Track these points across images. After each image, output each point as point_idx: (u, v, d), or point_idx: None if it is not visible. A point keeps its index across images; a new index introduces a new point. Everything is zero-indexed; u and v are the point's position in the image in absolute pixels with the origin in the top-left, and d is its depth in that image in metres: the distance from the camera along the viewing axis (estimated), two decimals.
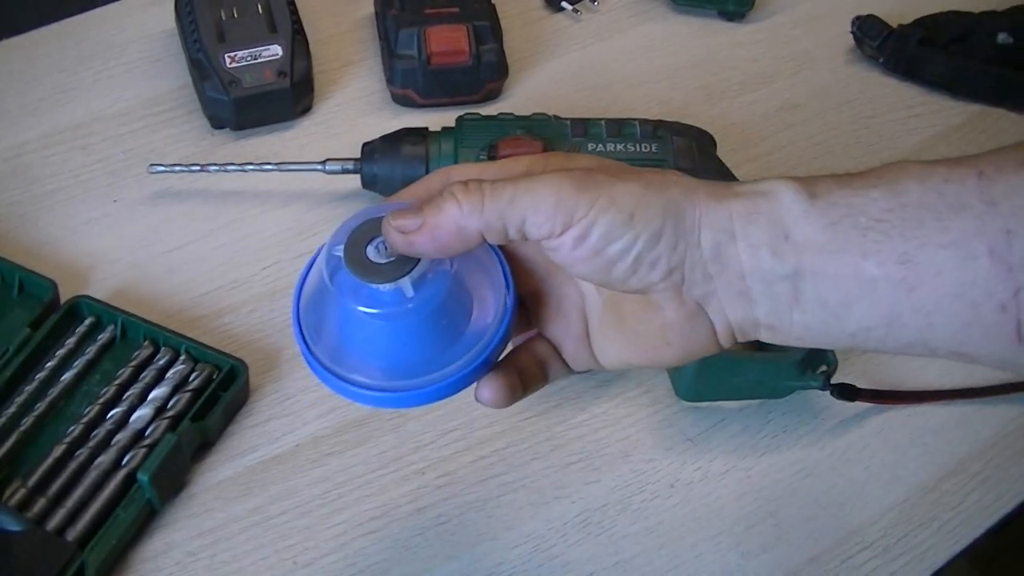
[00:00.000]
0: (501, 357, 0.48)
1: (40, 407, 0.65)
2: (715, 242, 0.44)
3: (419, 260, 0.45)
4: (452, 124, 0.76)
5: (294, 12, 0.83)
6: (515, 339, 0.51)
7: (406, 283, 0.44)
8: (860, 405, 0.70)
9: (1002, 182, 0.41)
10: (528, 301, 0.50)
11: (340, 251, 0.45)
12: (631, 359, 0.49)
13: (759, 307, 0.44)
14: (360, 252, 0.45)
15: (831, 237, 0.43)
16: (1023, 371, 0.43)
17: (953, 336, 0.42)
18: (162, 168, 0.76)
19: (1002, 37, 0.88)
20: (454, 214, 0.44)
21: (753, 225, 0.43)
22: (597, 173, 0.44)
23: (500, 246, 0.48)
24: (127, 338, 0.69)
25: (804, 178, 0.44)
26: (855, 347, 0.45)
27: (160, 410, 0.65)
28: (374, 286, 0.44)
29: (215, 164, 0.76)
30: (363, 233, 0.45)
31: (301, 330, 0.47)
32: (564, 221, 0.43)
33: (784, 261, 0.43)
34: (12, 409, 0.65)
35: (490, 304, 0.47)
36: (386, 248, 0.45)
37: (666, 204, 0.44)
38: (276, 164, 0.77)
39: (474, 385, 0.47)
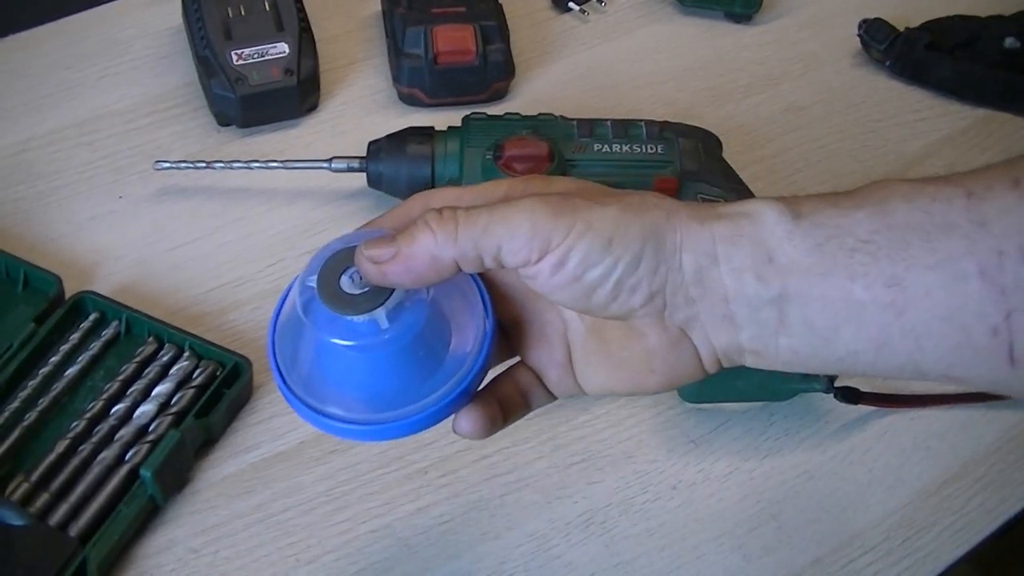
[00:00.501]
0: (481, 386, 0.47)
1: (44, 402, 0.65)
2: (697, 266, 0.43)
3: (394, 290, 0.44)
4: (458, 123, 0.76)
5: (301, 10, 0.83)
6: (496, 367, 0.50)
7: (380, 314, 0.44)
8: (863, 408, 0.70)
9: (992, 201, 0.40)
10: (509, 328, 0.49)
11: (313, 282, 0.44)
12: (615, 386, 0.48)
13: (744, 332, 0.44)
14: (334, 283, 0.44)
15: (817, 259, 0.42)
16: (1016, 393, 0.42)
17: (943, 359, 0.41)
18: (167, 165, 0.77)
19: (1009, 42, 0.88)
20: (428, 243, 0.43)
21: (736, 248, 0.43)
22: (575, 197, 0.43)
23: (479, 273, 0.47)
24: (131, 334, 0.69)
25: (789, 198, 0.44)
26: (844, 372, 0.44)
27: (164, 406, 0.65)
28: (348, 318, 0.43)
29: (221, 161, 0.77)
30: (337, 263, 0.44)
31: (276, 362, 0.46)
32: (540, 248, 0.42)
33: (769, 285, 0.42)
34: (16, 404, 0.65)
35: (469, 332, 0.46)
36: (361, 278, 0.44)
37: (645, 227, 0.43)
38: (282, 162, 0.77)
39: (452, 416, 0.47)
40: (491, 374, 0.48)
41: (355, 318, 0.43)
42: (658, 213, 0.43)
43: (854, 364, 0.43)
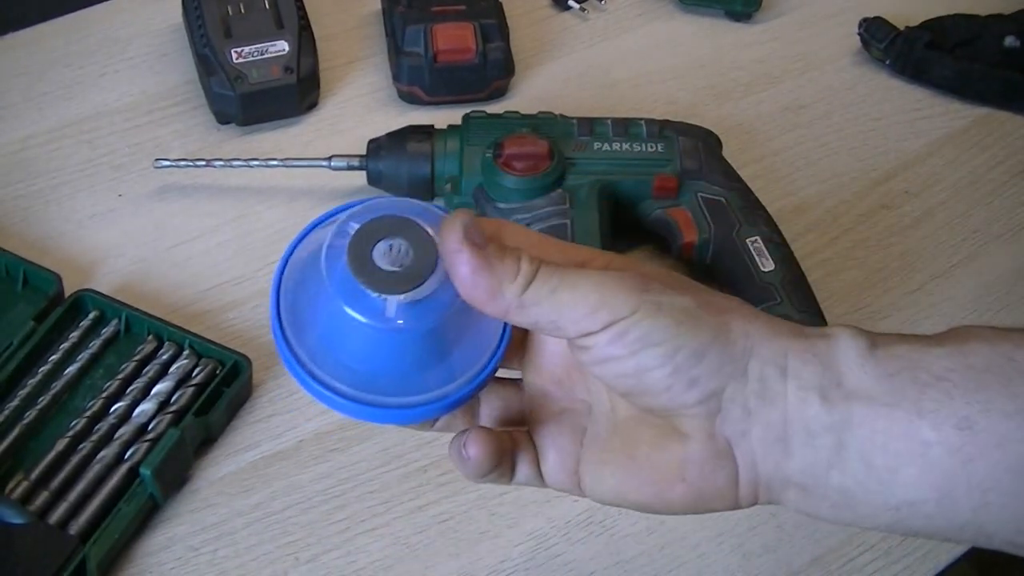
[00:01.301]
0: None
1: (43, 401, 0.65)
2: (763, 376, 0.41)
3: (423, 282, 0.41)
4: (458, 122, 0.76)
5: (301, 8, 0.83)
6: (503, 423, 0.48)
7: (392, 302, 0.41)
8: None
9: None
10: (532, 392, 0.47)
11: (342, 260, 0.41)
12: (629, 493, 0.44)
13: (794, 461, 0.41)
14: (366, 250, 0.41)
15: (886, 389, 0.39)
16: None
17: (1011, 521, 0.39)
18: (167, 163, 0.76)
19: (1009, 40, 0.88)
20: (507, 272, 0.41)
21: (807, 365, 0.40)
22: (654, 281, 0.41)
23: (524, 334, 0.46)
24: (131, 332, 0.69)
25: (870, 332, 0.42)
26: (895, 527, 0.41)
27: (163, 405, 0.65)
28: (366, 290, 0.41)
29: (220, 159, 0.76)
30: (377, 229, 0.42)
31: (279, 313, 0.43)
32: (604, 320, 0.40)
33: (833, 408, 0.40)
34: (15, 402, 0.65)
35: (474, 359, 0.44)
36: (399, 253, 0.41)
37: (718, 325, 0.41)
38: (281, 160, 0.77)
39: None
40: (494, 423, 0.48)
41: (372, 293, 0.41)
42: (735, 316, 0.41)
43: (910, 518, 0.40)
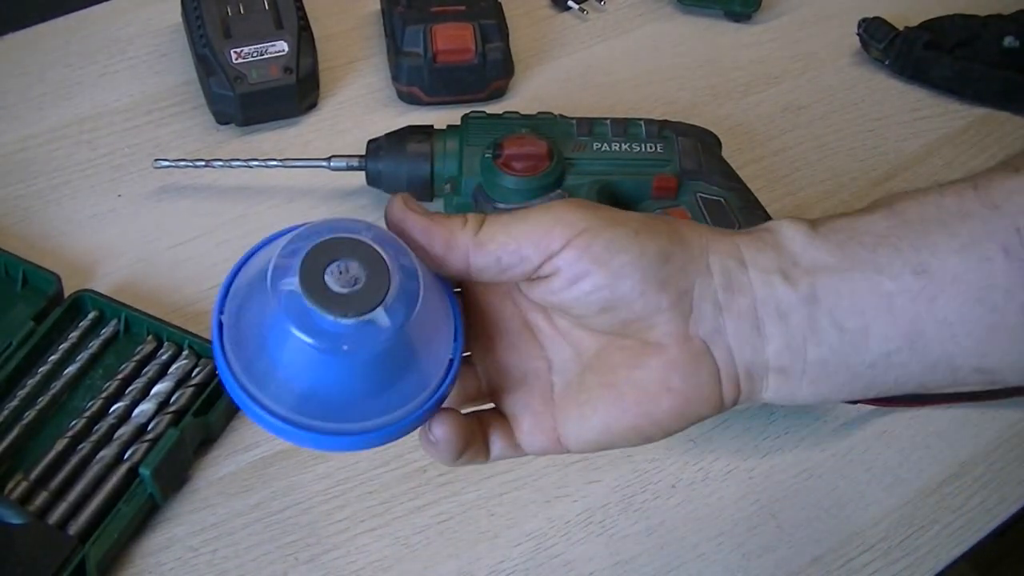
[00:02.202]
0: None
1: (43, 401, 0.65)
2: (725, 268, 0.43)
3: (385, 294, 0.40)
4: (457, 122, 0.76)
5: (300, 8, 0.83)
6: (466, 406, 0.47)
7: (345, 325, 0.40)
8: (862, 407, 0.70)
9: (998, 186, 0.41)
10: (485, 369, 0.47)
11: (294, 274, 0.40)
12: (616, 425, 0.44)
13: (771, 343, 0.42)
14: (319, 277, 0.40)
15: (840, 257, 0.42)
16: None
17: (977, 347, 0.41)
18: (167, 163, 0.77)
19: (1008, 41, 0.88)
20: (455, 223, 0.43)
21: (761, 253, 0.43)
22: (595, 204, 0.44)
23: (466, 305, 0.46)
24: (130, 333, 0.69)
25: (801, 218, 0.45)
26: (873, 384, 0.43)
27: (163, 405, 0.65)
28: (319, 312, 0.39)
29: (220, 160, 0.76)
30: (328, 249, 0.41)
31: (221, 336, 0.42)
32: (564, 235, 0.41)
33: (797, 285, 0.42)
34: (15, 402, 0.65)
35: (436, 357, 0.43)
36: (345, 273, 0.40)
37: (670, 230, 0.43)
38: (281, 160, 0.77)
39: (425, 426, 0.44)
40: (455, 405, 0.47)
41: (343, 320, 0.40)
42: (680, 223, 0.44)
43: (886, 370, 0.42)
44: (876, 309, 0.41)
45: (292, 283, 0.40)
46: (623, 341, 0.44)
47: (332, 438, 0.41)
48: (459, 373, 0.44)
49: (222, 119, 0.82)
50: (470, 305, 0.47)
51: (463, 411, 0.46)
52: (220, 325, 0.42)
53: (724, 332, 0.43)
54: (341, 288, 0.40)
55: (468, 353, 0.48)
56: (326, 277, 0.40)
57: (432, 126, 0.76)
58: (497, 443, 0.47)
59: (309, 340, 0.40)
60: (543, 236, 0.42)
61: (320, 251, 0.41)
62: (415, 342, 0.42)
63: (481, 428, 0.47)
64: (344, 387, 0.41)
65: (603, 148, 0.74)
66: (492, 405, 0.48)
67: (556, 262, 0.42)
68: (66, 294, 0.69)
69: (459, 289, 0.48)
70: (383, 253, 0.41)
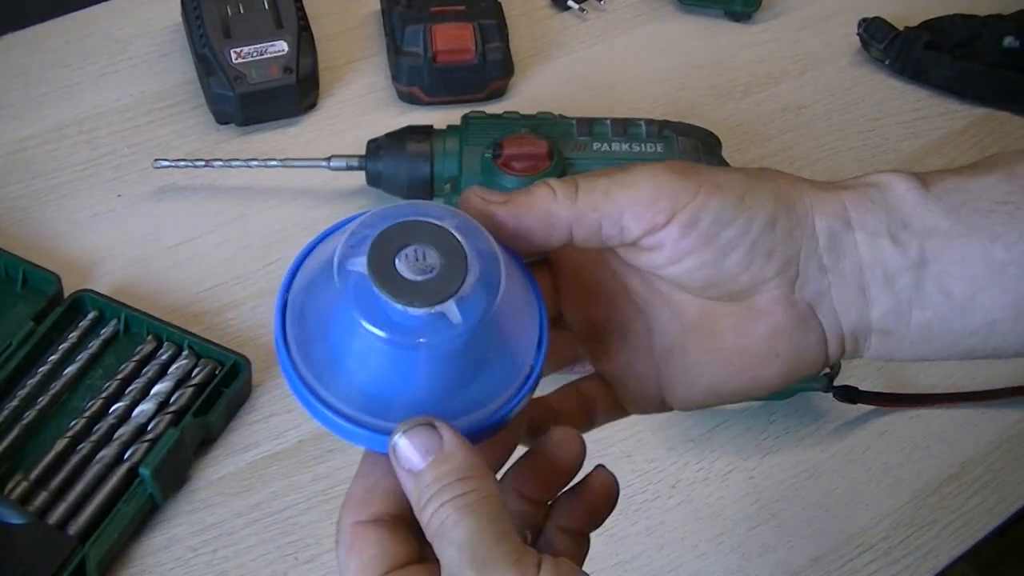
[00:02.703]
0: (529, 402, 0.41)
1: (43, 401, 0.65)
2: (831, 230, 0.40)
3: (463, 281, 0.37)
4: (457, 122, 0.76)
5: (300, 8, 0.83)
6: (567, 377, 0.46)
7: (421, 315, 0.36)
8: (862, 408, 0.70)
9: None
10: (583, 333, 0.45)
11: (362, 260, 0.37)
12: (722, 386, 0.43)
13: (876, 306, 0.41)
14: (388, 258, 0.36)
15: (954, 222, 0.40)
16: None
17: None
18: (167, 163, 0.76)
19: (1008, 41, 0.88)
20: (546, 197, 0.39)
21: (869, 213, 0.40)
22: (695, 164, 0.41)
23: (558, 267, 0.44)
24: (130, 333, 0.69)
25: (911, 172, 0.42)
26: (972, 351, 0.41)
27: (163, 405, 0.65)
28: (390, 302, 0.36)
29: (220, 160, 0.76)
30: (399, 234, 0.37)
31: (285, 335, 0.39)
32: (668, 209, 0.39)
33: (907, 249, 0.40)
34: (15, 402, 0.65)
35: (515, 363, 0.39)
36: (420, 260, 0.37)
37: (774, 189, 0.40)
38: (281, 160, 0.77)
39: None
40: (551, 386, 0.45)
41: (413, 310, 0.36)
42: (783, 179, 0.41)
43: (988, 338, 0.41)
44: (986, 278, 0.40)
45: (360, 265, 0.36)
46: (727, 307, 0.42)
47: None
48: (555, 337, 0.41)
49: (222, 119, 0.82)
50: (562, 268, 0.45)
51: (561, 374, 0.45)
52: (284, 314, 0.39)
53: (829, 294, 0.41)
54: (414, 275, 0.36)
55: (562, 315, 0.45)
56: (397, 263, 0.36)
57: (432, 126, 0.76)
58: (600, 411, 0.46)
59: (377, 331, 0.36)
60: (646, 208, 0.39)
61: (391, 235, 0.37)
62: (492, 341, 0.38)
63: (579, 403, 0.45)
64: (408, 384, 0.37)
65: (603, 148, 0.74)
66: (591, 371, 0.46)
67: (659, 236, 0.40)
68: (66, 294, 0.69)
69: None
70: (461, 239, 0.37)
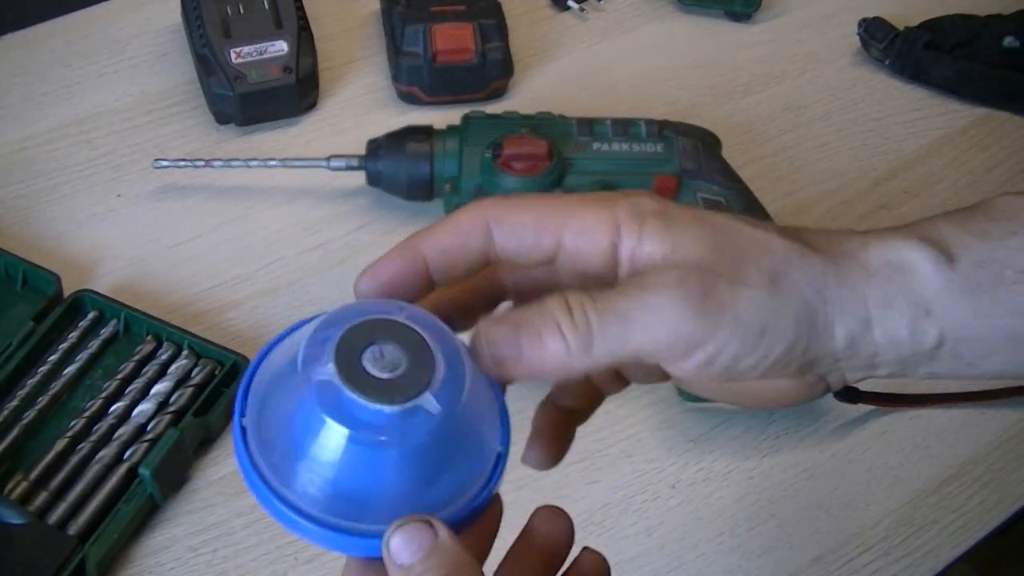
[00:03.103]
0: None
1: (42, 401, 0.65)
2: (850, 335, 0.40)
3: (431, 378, 0.37)
4: (457, 122, 0.76)
5: (300, 8, 0.83)
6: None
7: (388, 413, 0.36)
8: (862, 408, 0.70)
9: None
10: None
11: (329, 367, 0.36)
12: (729, 404, 0.46)
13: (883, 369, 0.42)
14: (356, 362, 0.36)
15: (977, 303, 0.40)
16: None
17: None
18: (167, 163, 0.76)
19: (1008, 41, 0.88)
20: (559, 353, 0.38)
21: (892, 310, 0.40)
22: (716, 277, 0.39)
23: None
24: (130, 333, 0.69)
25: (935, 235, 0.41)
26: (972, 384, 0.43)
27: (162, 405, 0.65)
28: (360, 401, 0.36)
29: (220, 160, 0.76)
30: (356, 338, 0.37)
31: (246, 444, 0.38)
32: (685, 351, 0.39)
33: (925, 336, 0.40)
34: (14, 402, 0.65)
35: (484, 451, 0.39)
36: (383, 357, 0.37)
37: (798, 311, 0.39)
38: (281, 160, 0.77)
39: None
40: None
41: (386, 408, 0.36)
42: (808, 289, 0.40)
43: (983, 377, 0.42)
44: (1004, 345, 0.40)
45: (328, 371, 0.36)
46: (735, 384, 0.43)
47: (373, 541, 0.37)
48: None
49: (222, 119, 0.82)
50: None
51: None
52: (243, 428, 0.38)
53: (841, 368, 0.42)
54: (381, 373, 0.36)
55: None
56: (364, 363, 0.36)
57: (432, 126, 0.76)
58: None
59: (350, 432, 0.36)
60: (663, 351, 0.39)
61: (355, 335, 0.37)
62: (462, 431, 0.38)
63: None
64: (385, 483, 0.37)
65: (603, 148, 0.73)
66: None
67: (674, 367, 0.40)
68: (66, 294, 0.69)
69: None
70: (423, 334, 0.38)
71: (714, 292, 0.38)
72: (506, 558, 0.42)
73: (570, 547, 0.42)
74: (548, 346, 0.38)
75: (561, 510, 0.42)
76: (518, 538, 0.42)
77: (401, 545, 0.36)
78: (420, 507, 0.37)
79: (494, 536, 0.41)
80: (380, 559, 0.37)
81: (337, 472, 0.36)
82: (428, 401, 0.36)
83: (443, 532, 0.36)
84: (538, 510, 0.42)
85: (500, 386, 0.40)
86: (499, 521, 0.42)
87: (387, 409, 0.36)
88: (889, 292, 0.40)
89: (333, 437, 0.36)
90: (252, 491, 0.37)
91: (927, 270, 0.40)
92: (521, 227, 0.40)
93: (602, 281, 0.41)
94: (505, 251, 0.41)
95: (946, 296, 0.40)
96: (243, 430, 0.38)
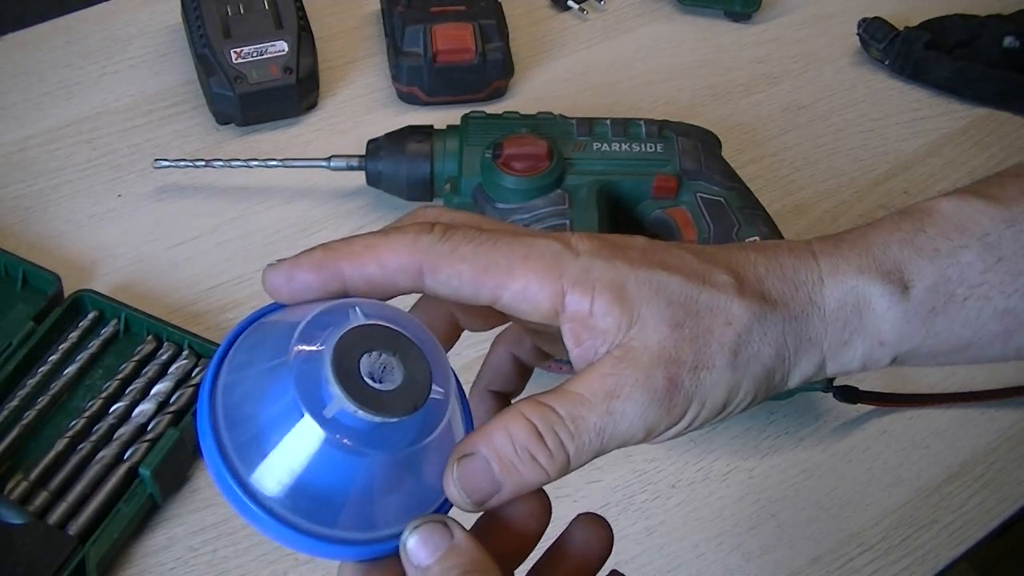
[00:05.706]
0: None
1: (43, 401, 0.65)
2: (805, 375, 0.42)
3: (427, 396, 0.37)
4: (457, 122, 0.76)
5: (300, 8, 0.83)
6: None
7: (382, 425, 0.35)
8: (862, 408, 0.70)
9: None
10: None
11: (327, 362, 0.35)
12: None
13: (851, 368, 0.43)
14: (352, 362, 0.36)
15: (930, 326, 0.41)
16: None
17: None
18: (167, 163, 0.77)
19: (1008, 41, 0.88)
20: (540, 479, 0.39)
21: (848, 348, 0.41)
22: (679, 368, 0.39)
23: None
24: (130, 333, 0.69)
25: (888, 263, 0.41)
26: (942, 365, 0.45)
27: (163, 405, 0.65)
28: (358, 409, 0.35)
29: (220, 160, 0.76)
30: (363, 338, 0.36)
31: (213, 411, 0.37)
32: (654, 435, 0.40)
33: (879, 362, 0.42)
34: (15, 402, 0.65)
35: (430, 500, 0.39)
36: (386, 371, 0.36)
37: (757, 376, 0.40)
38: (281, 160, 0.77)
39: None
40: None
41: (386, 419, 0.35)
42: (768, 352, 0.40)
43: (950, 363, 0.44)
44: (955, 354, 0.42)
45: (320, 373, 0.35)
46: None
47: (334, 546, 0.37)
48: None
49: (222, 119, 0.82)
50: None
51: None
52: (212, 393, 0.37)
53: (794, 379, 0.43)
54: (375, 382, 0.36)
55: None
56: (361, 372, 0.36)
57: (432, 126, 0.76)
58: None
59: (342, 440, 0.35)
60: (640, 439, 0.40)
61: (353, 339, 0.36)
62: (434, 452, 0.38)
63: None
64: (354, 488, 0.36)
65: (603, 148, 0.74)
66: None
67: (648, 442, 0.41)
68: (66, 294, 0.69)
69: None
70: (424, 351, 0.37)
71: (680, 386, 0.39)
72: (537, 563, 0.42)
73: (605, 559, 0.42)
74: (528, 478, 0.39)
75: (603, 519, 0.42)
76: (554, 543, 0.42)
77: (418, 545, 0.36)
78: (394, 514, 0.37)
79: (537, 537, 0.41)
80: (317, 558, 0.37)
81: (310, 472, 0.36)
82: (416, 419, 0.36)
83: (458, 532, 0.37)
84: (579, 516, 0.42)
85: (468, 407, 0.41)
86: (541, 523, 0.41)
87: (377, 419, 0.35)
88: (845, 334, 0.41)
89: (311, 436, 0.35)
90: (212, 473, 0.37)
91: (882, 307, 0.41)
92: (457, 280, 0.39)
93: (542, 327, 0.41)
94: (437, 294, 0.40)
95: (901, 326, 0.41)
96: (212, 397, 0.37)
